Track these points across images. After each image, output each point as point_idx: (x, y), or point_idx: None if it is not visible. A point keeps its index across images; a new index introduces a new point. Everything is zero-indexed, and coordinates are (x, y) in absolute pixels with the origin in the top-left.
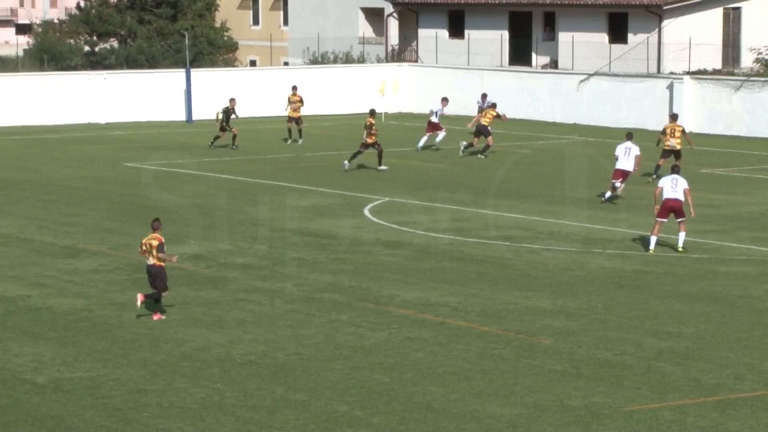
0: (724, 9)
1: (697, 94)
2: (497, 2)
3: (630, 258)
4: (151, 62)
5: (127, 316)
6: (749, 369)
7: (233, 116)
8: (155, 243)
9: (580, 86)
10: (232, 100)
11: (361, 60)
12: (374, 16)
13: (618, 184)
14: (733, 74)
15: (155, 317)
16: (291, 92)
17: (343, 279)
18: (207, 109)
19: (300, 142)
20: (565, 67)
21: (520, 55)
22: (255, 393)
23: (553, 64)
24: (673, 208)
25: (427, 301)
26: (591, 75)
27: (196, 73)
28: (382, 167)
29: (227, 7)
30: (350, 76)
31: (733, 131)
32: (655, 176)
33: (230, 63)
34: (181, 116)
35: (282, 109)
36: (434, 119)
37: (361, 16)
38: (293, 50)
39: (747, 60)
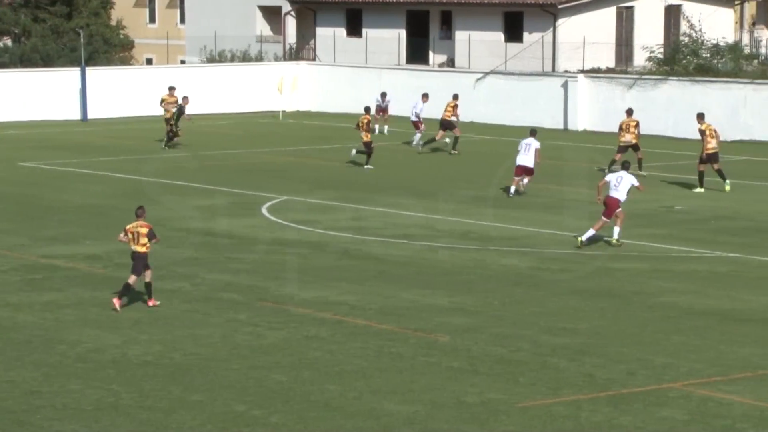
0: (617, 8)
1: (591, 92)
2: (394, 1)
3: (527, 255)
4: (46, 61)
5: (20, 318)
6: (642, 364)
7: (184, 115)
8: (144, 230)
9: (477, 85)
10: (185, 98)
11: (259, 58)
12: (272, 14)
13: (525, 181)
14: (626, 73)
15: (150, 303)
16: (167, 93)
17: (241, 278)
18: (102, 108)
19: (164, 145)
20: (462, 65)
21: (417, 53)
22: (151, 394)
23: (450, 62)
24: (607, 205)
25: (325, 299)
26: (487, 73)
27: (91, 71)
28: (368, 166)
29: (123, 5)
30: (248, 74)
31: None
32: (607, 170)
33: (126, 61)
34: (77, 115)
35: (158, 109)
36: (414, 118)
37: (259, 14)
38: (190, 48)
39: (640, 59)
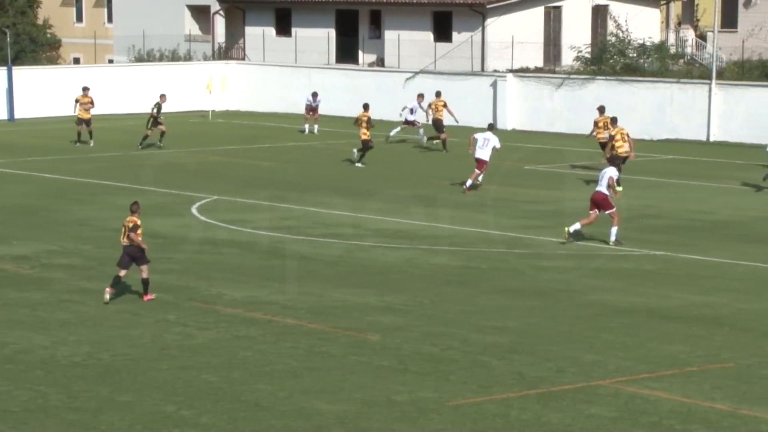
0: (545, 8)
1: (520, 91)
2: (324, 0)
3: (456, 254)
4: None
5: None
6: (570, 362)
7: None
8: (130, 225)
9: (407, 84)
10: (162, 96)
11: (188, 58)
12: (200, 13)
13: (471, 180)
14: (554, 72)
15: (146, 298)
16: (81, 93)
17: (171, 278)
18: (30, 108)
19: (91, 144)
20: (392, 65)
21: (347, 53)
22: (80, 395)
23: (380, 62)
24: (596, 202)
25: (255, 299)
26: (417, 73)
27: (18, 71)
28: (359, 164)
29: (50, 4)
30: (177, 74)
31: (555, 128)
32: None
33: (53, 61)
34: (3, 115)
35: (74, 109)
36: (410, 117)
37: (187, 13)
38: (118, 48)
39: (567, 58)
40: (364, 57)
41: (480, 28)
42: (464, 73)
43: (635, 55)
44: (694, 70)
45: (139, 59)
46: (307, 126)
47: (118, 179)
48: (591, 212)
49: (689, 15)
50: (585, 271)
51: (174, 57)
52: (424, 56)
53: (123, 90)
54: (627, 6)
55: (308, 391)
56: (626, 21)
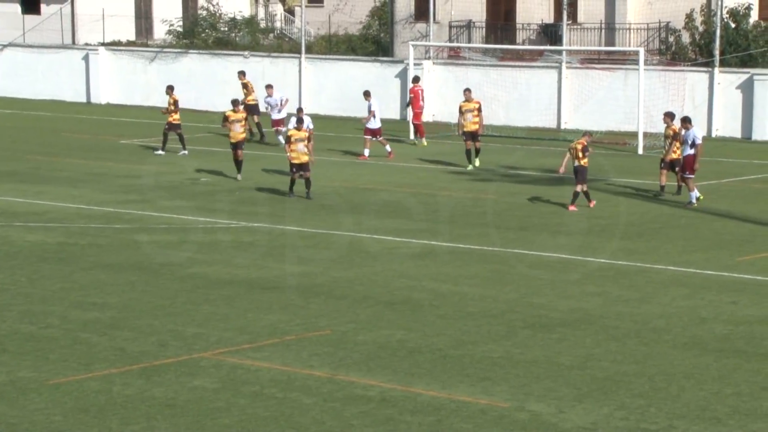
0: None
1: (113, 65)
2: None
3: (53, 230)
4: None
5: None
6: (173, 335)
7: None
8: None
9: None
10: None
11: None
12: None
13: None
14: (147, 46)
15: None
16: None
17: None
18: None
19: None
20: None
21: None
22: None
23: None
24: None
25: None
26: (5, 46)
27: None
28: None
29: None
30: None
31: (150, 102)
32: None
33: None
34: None
35: None
36: (276, 115)
37: None
38: None
39: (160, 32)
40: None
41: (69, 1)
42: (55, 46)
43: (227, 29)
44: (285, 45)
45: None
46: None
47: None
48: None
49: None
50: (185, 244)
51: None
52: (12, 29)
53: None
54: None
55: None
56: None
